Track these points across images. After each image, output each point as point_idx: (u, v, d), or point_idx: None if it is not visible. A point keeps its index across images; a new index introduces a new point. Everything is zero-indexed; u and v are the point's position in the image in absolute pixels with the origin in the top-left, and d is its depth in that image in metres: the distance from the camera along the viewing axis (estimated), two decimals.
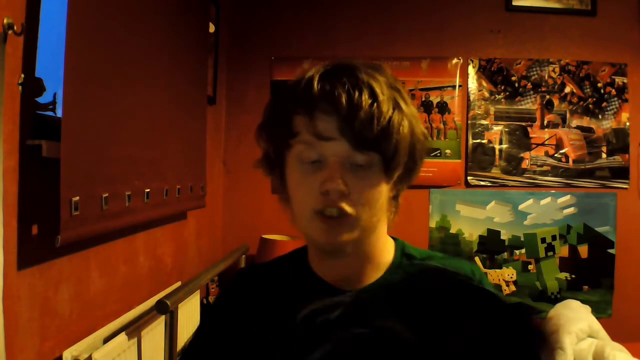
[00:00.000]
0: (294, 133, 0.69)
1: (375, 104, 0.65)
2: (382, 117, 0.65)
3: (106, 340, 1.43)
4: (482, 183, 2.90)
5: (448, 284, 0.72)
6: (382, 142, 0.65)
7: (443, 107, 2.88)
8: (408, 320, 0.67)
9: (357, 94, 0.65)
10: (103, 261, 1.50)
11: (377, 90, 0.66)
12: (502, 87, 2.90)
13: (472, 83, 2.91)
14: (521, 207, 2.89)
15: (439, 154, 2.88)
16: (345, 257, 0.71)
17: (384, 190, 0.69)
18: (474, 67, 2.90)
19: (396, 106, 0.67)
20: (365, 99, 0.65)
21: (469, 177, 2.89)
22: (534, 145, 2.90)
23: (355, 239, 0.69)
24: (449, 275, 0.73)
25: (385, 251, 0.76)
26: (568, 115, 2.90)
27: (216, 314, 0.83)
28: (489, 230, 2.88)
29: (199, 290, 2.27)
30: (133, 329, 1.55)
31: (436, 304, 0.68)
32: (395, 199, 0.74)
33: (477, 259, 2.88)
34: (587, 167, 2.89)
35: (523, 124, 2.90)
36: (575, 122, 2.90)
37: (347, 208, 0.66)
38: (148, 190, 1.65)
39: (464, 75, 2.90)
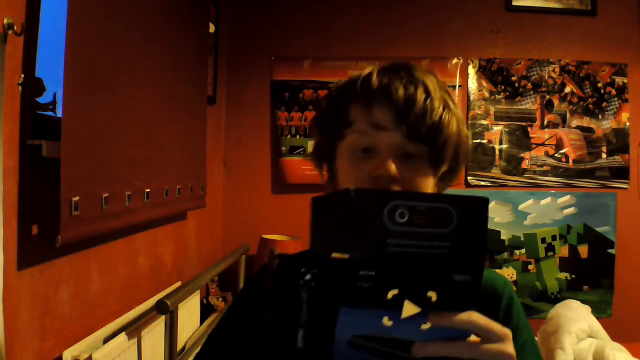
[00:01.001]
0: (349, 122, 0.72)
1: (428, 100, 0.69)
2: (434, 113, 0.69)
3: (106, 340, 1.43)
4: (482, 183, 2.90)
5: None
6: (432, 135, 0.69)
7: None
8: None
9: (412, 88, 0.69)
10: (103, 261, 1.50)
11: (431, 87, 0.70)
12: (502, 87, 2.90)
13: (472, 83, 2.91)
14: (521, 207, 2.89)
15: None
16: None
17: (430, 182, 0.72)
18: (474, 67, 2.90)
19: (446, 105, 0.71)
20: (420, 94, 0.69)
21: (469, 177, 2.89)
22: (534, 145, 2.90)
23: None
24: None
25: None
26: (568, 115, 2.91)
27: (243, 302, 0.82)
28: (489, 230, 2.88)
29: (199, 290, 2.27)
30: (133, 329, 1.55)
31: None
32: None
33: None
34: (587, 167, 2.89)
35: (523, 124, 2.90)
36: (575, 122, 2.90)
37: None
38: (148, 190, 1.65)
39: (464, 75, 2.90)
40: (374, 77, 0.71)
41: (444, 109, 0.70)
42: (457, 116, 0.72)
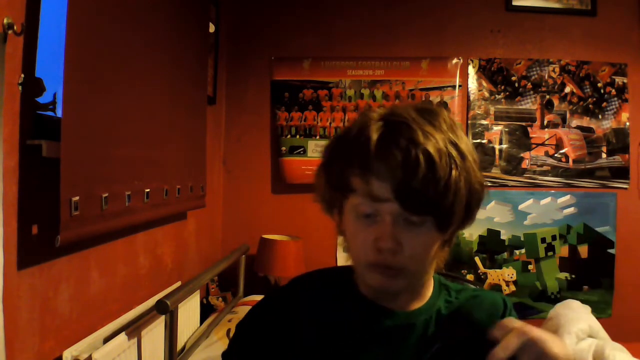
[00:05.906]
0: (351, 189, 0.70)
1: (431, 170, 0.64)
2: (438, 182, 0.64)
3: (106, 340, 1.43)
4: None
5: (485, 308, 0.79)
6: (436, 204, 0.65)
7: (443, 107, 2.88)
8: (454, 339, 0.75)
9: (413, 156, 0.63)
10: (103, 261, 1.50)
11: (434, 154, 0.64)
12: (502, 87, 2.90)
13: (472, 83, 2.91)
14: (521, 207, 2.89)
15: None
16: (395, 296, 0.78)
17: (436, 243, 0.71)
18: (474, 67, 2.90)
19: (453, 163, 0.65)
20: (421, 164, 0.63)
21: None
22: (534, 145, 2.90)
23: (406, 286, 0.74)
24: (484, 301, 0.81)
25: (428, 283, 0.81)
26: (568, 115, 2.90)
27: (256, 326, 0.84)
28: (489, 230, 2.88)
29: (199, 290, 2.27)
30: (133, 329, 1.55)
31: (476, 325, 0.76)
32: (448, 242, 0.76)
33: (477, 259, 2.88)
34: (587, 167, 2.89)
35: (523, 124, 2.90)
36: (575, 122, 2.90)
37: (399, 264, 0.69)
38: (148, 190, 1.65)
39: (464, 75, 2.90)
40: (373, 145, 0.66)
41: (450, 172, 0.64)
42: (466, 169, 0.66)
